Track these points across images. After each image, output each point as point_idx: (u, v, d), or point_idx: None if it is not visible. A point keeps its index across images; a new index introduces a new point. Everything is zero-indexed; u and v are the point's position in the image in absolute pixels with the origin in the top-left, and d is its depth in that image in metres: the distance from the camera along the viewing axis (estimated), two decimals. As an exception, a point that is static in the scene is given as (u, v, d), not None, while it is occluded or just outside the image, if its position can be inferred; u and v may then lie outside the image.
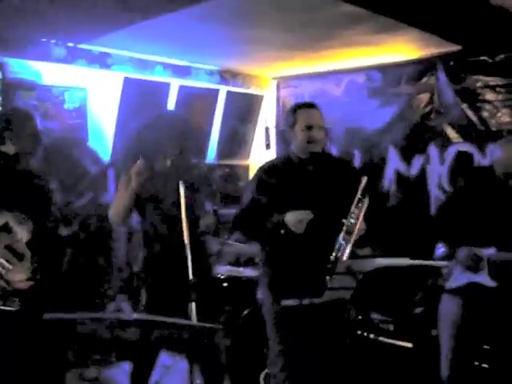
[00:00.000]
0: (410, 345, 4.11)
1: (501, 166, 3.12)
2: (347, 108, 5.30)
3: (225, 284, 4.23)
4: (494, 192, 3.11)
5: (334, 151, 5.23)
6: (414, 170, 4.93)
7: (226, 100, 5.67)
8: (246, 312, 3.96)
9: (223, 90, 5.64)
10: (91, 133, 4.67)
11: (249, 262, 4.63)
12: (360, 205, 2.71)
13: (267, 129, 5.89)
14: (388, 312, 4.36)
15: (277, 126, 5.99)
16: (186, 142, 3.02)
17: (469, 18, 3.74)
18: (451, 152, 4.69)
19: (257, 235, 3.04)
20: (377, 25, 3.89)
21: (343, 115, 5.19)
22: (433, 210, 4.70)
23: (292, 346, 2.86)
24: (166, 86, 5.12)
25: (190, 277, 2.43)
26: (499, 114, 4.43)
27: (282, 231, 2.74)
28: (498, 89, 4.44)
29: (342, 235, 2.67)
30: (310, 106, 2.96)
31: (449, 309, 3.19)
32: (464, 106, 4.61)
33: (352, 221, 2.69)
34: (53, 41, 4.27)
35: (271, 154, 5.87)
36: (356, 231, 2.68)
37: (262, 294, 3.16)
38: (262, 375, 3.57)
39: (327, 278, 2.51)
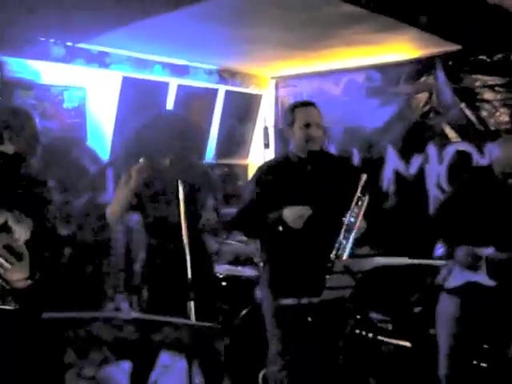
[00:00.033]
0: (408, 344, 4.12)
1: (499, 166, 3.12)
2: (346, 107, 5.30)
3: (223, 283, 4.23)
4: (492, 191, 3.11)
5: (333, 150, 5.24)
6: (413, 170, 4.93)
7: (224, 99, 5.67)
8: (244, 311, 3.96)
9: (222, 90, 5.64)
10: (90, 132, 4.66)
11: (247, 261, 4.63)
12: (360, 203, 2.72)
13: (266, 128, 5.87)
14: (387, 311, 4.37)
15: (275, 126, 5.98)
16: (185, 141, 3.01)
17: (467, 18, 3.75)
18: (450, 151, 4.70)
19: (256, 233, 3.04)
20: (376, 24, 3.89)
21: (342, 114, 5.19)
22: (431, 209, 4.70)
23: (291, 345, 2.87)
24: (165, 85, 5.12)
25: (189, 276, 2.43)
26: (498, 114, 4.44)
27: (281, 228, 2.74)
28: (496, 88, 4.44)
29: (341, 234, 2.67)
30: (308, 104, 2.97)
31: (447, 308, 3.20)
32: (463, 105, 4.61)
33: (352, 219, 2.69)
34: (51, 40, 4.27)
35: (270, 154, 5.86)
36: (356, 229, 2.68)
37: (261, 293, 3.16)
38: (261, 375, 3.58)
39: (327, 276, 2.52)
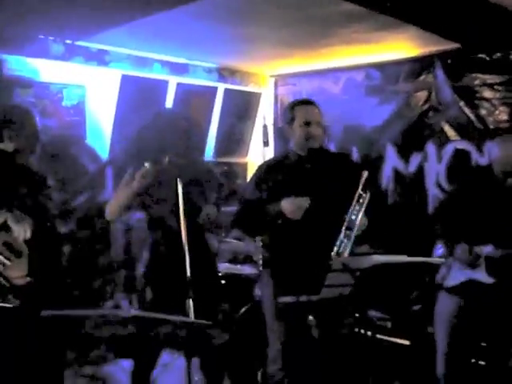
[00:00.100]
0: (407, 342, 4.12)
1: (499, 165, 3.12)
2: (345, 106, 5.30)
3: (223, 281, 4.23)
4: (492, 190, 3.11)
5: (333, 148, 5.24)
6: (412, 168, 4.93)
7: (224, 97, 5.66)
8: (243, 309, 3.97)
9: (221, 88, 5.64)
10: (89, 130, 4.66)
11: (246, 259, 4.63)
12: (361, 200, 2.72)
13: (265, 126, 5.87)
14: (385, 309, 4.37)
15: (275, 124, 5.99)
16: (188, 139, 3.02)
17: (467, 16, 3.75)
18: (449, 150, 4.70)
19: (256, 229, 3.05)
20: (375, 23, 3.89)
21: (341, 113, 5.20)
22: (430, 207, 4.71)
23: (291, 343, 2.87)
24: (164, 83, 5.11)
25: (188, 274, 2.44)
26: (497, 112, 4.44)
27: (280, 221, 2.74)
28: (495, 87, 4.44)
29: (342, 231, 2.68)
30: (308, 102, 2.97)
31: (446, 307, 3.20)
32: (462, 103, 4.61)
33: (353, 217, 2.69)
34: (51, 38, 4.26)
35: (269, 152, 5.86)
36: (357, 227, 2.68)
37: (261, 291, 3.16)
38: (260, 373, 3.58)
39: (329, 274, 2.52)
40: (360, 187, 2.72)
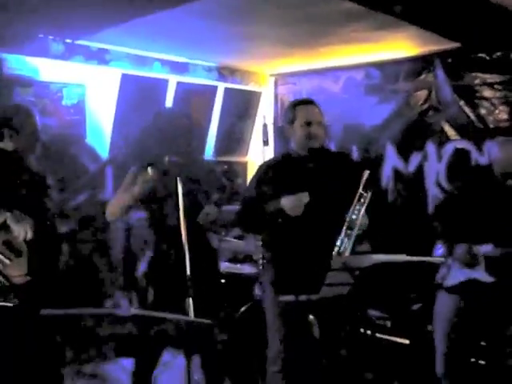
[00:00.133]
0: (407, 341, 4.13)
1: (499, 166, 3.13)
2: (345, 105, 5.30)
3: (222, 280, 4.23)
4: (491, 191, 3.12)
5: (332, 148, 5.24)
6: (412, 167, 4.93)
7: (224, 97, 5.67)
8: (243, 308, 3.97)
9: (221, 87, 5.64)
10: (89, 129, 4.66)
11: (246, 258, 4.63)
12: (362, 200, 2.72)
13: (265, 125, 5.87)
14: (385, 308, 4.37)
15: (275, 123, 5.99)
16: (189, 138, 3.03)
17: (467, 16, 3.75)
18: (449, 149, 4.70)
19: (256, 227, 3.05)
20: (375, 22, 3.89)
21: (341, 112, 5.20)
22: (430, 207, 4.71)
23: (291, 343, 2.87)
24: (164, 82, 5.12)
25: (188, 272, 2.44)
26: (497, 111, 4.44)
27: (280, 219, 2.74)
28: (495, 86, 4.44)
29: (343, 231, 2.68)
30: (309, 102, 2.97)
31: (445, 306, 3.21)
32: (462, 103, 4.62)
33: (354, 216, 2.69)
34: (50, 37, 4.26)
35: (269, 151, 5.86)
36: (357, 226, 2.69)
37: (263, 290, 3.16)
38: (260, 373, 3.58)
39: (328, 273, 2.52)
40: (361, 187, 2.73)
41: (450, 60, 4.69)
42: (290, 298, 2.61)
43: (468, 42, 4.45)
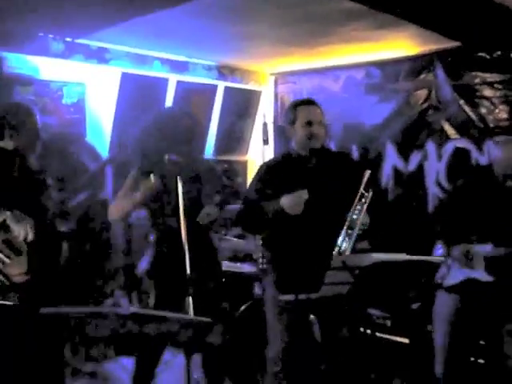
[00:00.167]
0: (406, 340, 4.13)
1: (500, 167, 3.13)
2: (345, 104, 5.30)
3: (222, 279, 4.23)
4: (492, 192, 3.12)
5: (332, 147, 5.24)
6: (412, 166, 4.94)
7: (224, 95, 5.66)
8: (243, 307, 3.97)
9: (221, 86, 5.64)
10: (89, 128, 4.66)
11: (246, 257, 4.63)
12: (363, 200, 2.72)
13: (265, 124, 5.87)
14: (385, 307, 4.37)
15: (275, 122, 5.99)
16: (191, 138, 3.03)
17: (467, 15, 3.75)
18: (449, 148, 4.70)
19: (257, 227, 3.06)
20: (375, 21, 3.89)
21: (341, 111, 5.20)
22: (430, 206, 4.71)
23: (291, 342, 2.87)
24: (164, 81, 5.11)
25: (187, 271, 2.45)
26: (497, 111, 4.44)
27: (280, 219, 2.74)
28: (495, 85, 4.44)
29: (344, 230, 2.68)
30: (310, 102, 2.97)
31: (445, 306, 3.21)
32: (462, 102, 4.62)
33: (355, 216, 2.70)
34: (50, 35, 4.26)
35: (269, 150, 5.86)
36: (358, 226, 2.69)
37: (263, 290, 3.16)
38: (260, 373, 3.58)
39: (328, 272, 2.52)
40: (362, 186, 2.73)
41: (450, 59, 4.69)
42: (289, 297, 2.62)
43: (468, 41, 4.45)
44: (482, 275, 3.06)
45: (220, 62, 5.51)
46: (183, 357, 2.31)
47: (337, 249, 2.69)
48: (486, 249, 3.05)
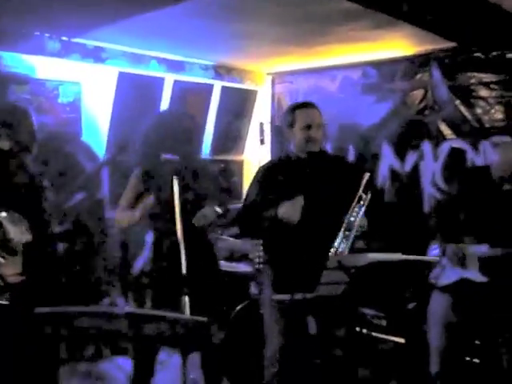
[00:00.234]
0: (402, 340, 4.13)
1: (497, 170, 3.14)
2: (342, 104, 5.30)
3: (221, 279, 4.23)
4: (488, 194, 3.13)
5: (329, 147, 5.24)
6: (408, 167, 4.94)
7: (220, 95, 5.66)
8: (239, 307, 3.97)
9: (218, 85, 5.63)
10: (85, 127, 4.65)
11: (242, 257, 4.63)
12: (362, 202, 2.73)
13: (262, 124, 5.89)
14: (381, 307, 4.38)
15: (271, 122, 5.99)
16: (191, 140, 3.05)
17: (463, 15, 3.75)
18: (445, 148, 4.71)
19: (258, 235, 3.07)
20: (372, 21, 3.89)
21: (338, 111, 5.19)
22: (426, 206, 4.72)
23: (288, 342, 2.88)
24: (161, 80, 5.11)
25: (183, 271, 2.45)
26: (493, 111, 4.45)
27: (279, 225, 2.75)
28: (491, 85, 4.45)
29: (341, 232, 2.68)
30: (309, 105, 2.96)
31: (439, 305, 3.22)
32: (458, 102, 4.62)
33: (352, 218, 2.70)
34: (47, 34, 4.25)
35: (265, 150, 5.88)
36: (356, 228, 2.69)
37: (260, 290, 3.17)
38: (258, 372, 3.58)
39: (324, 272, 2.52)
40: (361, 189, 2.73)
41: (446, 59, 4.70)
42: (285, 296, 2.62)
43: (464, 42, 4.45)
44: (475, 276, 3.07)
45: (217, 62, 5.51)
46: (179, 357, 2.31)
47: (334, 250, 2.69)
48: (482, 249, 3.06)
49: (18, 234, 2.52)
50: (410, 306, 4.22)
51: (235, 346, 3.82)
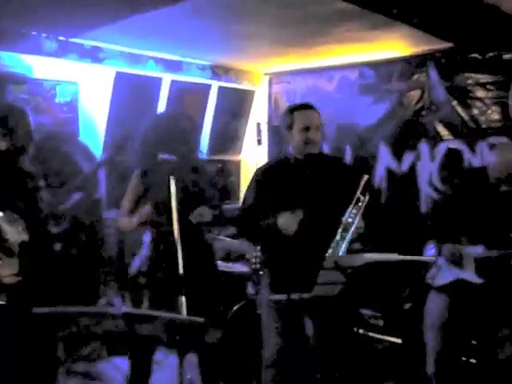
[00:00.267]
0: (399, 340, 4.14)
1: (494, 172, 3.14)
2: (339, 104, 5.31)
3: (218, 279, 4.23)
4: (485, 195, 3.13)
5: (326, 147, 5.25)
6: (405, 167, 4.95)
7: (217, 95, 5.66)
8: (236, 307, 3.97)
9: (215, 86, 5.64)
10: (82, 127, 4.65)
11: (239, 257, 4.64)
12: (360, 204, 2.73)
13: (259, 124, 5.89)
14: (378, 307, 4.39)
15: (268, 122, 5.99)
16: (189, 140, 3.06)
17: (460, 16, 3.76)
18: (441, 149, 4.72)
19: (256, 240, 3.07)
20: (369, 22, 3.90)
21: (335, 111, 5.20)
22: (423, 206, 4.73)
23: (285, 342, 2.88)
24: (158, 80, 5.11)
25: (180, 271, 2.45)
26: (489, 112, 4.46)
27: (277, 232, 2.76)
28: (488, 86, 4.46)
29: (338, 233, 2.69)
30: (307, 107, 2.95)
31: (435, 306, 3.23)
32: (454, 103, 4.63)
33: (350, 219, 2.71)
34: (44, 34, 4.25)
35: (262, 150, 5.88)
36: (353, 229, 2.70)
37: (256, 291, 3.17)
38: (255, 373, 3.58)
39: (320, 272, 2.52)
40: (359, 190, 2.73)
41: (443, 60, 4.70)
42: (281, 296, 2.62)
43: (461, 43, 4.46)
44: (471, 277, 3.08)
45: (214, 62, 5.51)
46: (175, 357, 2.31)
47: (330, 250, 2.69)
48: (477, 251, 3.07)
49: (15, 234, 2.52)
50: (407, 306, 4.23)
51: (232, 346, 3.83)
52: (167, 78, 5.15)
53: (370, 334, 4.32)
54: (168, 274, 2.81)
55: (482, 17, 3.79)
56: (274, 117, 5.91)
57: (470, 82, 4.55)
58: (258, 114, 6.07)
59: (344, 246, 2.69)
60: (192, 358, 3.07)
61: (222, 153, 5.90)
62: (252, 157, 5.93)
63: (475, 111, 4.53)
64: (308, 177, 2.89)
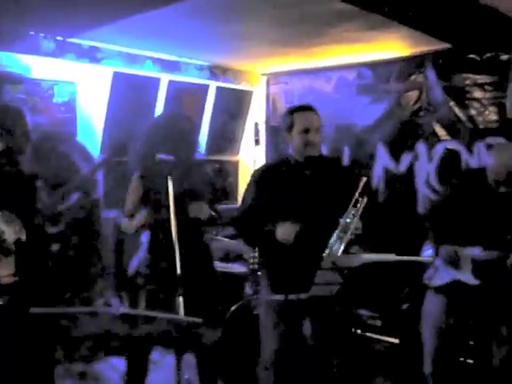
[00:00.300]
0: (396, 341, 4.15)
1: (493, 173, 3.13)
2: (337, 105, 5.30)
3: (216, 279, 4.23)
4: (483, 197, 3.13)
5: (324, 148, 5.24)
6: (403, 167, 4.95)
7: (215, 95, 5.66)
8: (234, 307, 3.97)
9: (213, 86, 5.63)
10: (80, 127, 4.65)
11: (237, 257, 4.64)
12: (358, 205, 2.73)
13: (257, 125, 5.88)
14: (375, 308, 4.39)
15: (266, 122, 5.99)
16: (188, 141, 3.07)
17: (458, 17, 3.77)
18: (439, 149, 4.72)
19: (253, 241, 3.08)
20: (367, 22, 3.90)
21: (333, 112, 5.19)
22: (420, 207, 4.73)
23: (283, 342, 2.88)
24: (156, 80, 5.11)
25: (178, 271, 2.45)
26: (487, 112, 4.46)
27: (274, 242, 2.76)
28: (485, 87, 4.47)
29: (336, 234, 2.69)
30: (307, 108, 2.94)
31: (433, 306, 3.23)
32: (452, 103, 4.63)
33: (348, 220, 2.71)
34: (42, 34, 4.24)
35: (260, 150, 5.87)
36: (350, 230, 2.70)
37: (254, 292, 3.18)
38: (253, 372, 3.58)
39: (318, 272, 2.53)
40: (358, 192, 2.73)
41: (440, 61, 4.70)
42: (279, 297, 2.62)
43: (459, 43, 4.47)
44: (468, 278, 3.07)
45: (212, 62, 5.51)
46: (172, 357, 2.31)
47: (327, 251, 2.69)
48: (474, 252, 3.07)
49: (12, 234, 2.51)
50: (404, 306, 4.23)
51: (230, 346, 3.82)
52: (165, 78, 5.15)
53: (368, 334, 4.33)
54: (166, 274, 2.81)
55: (480, 18, 3.80)
56: (272, 117, 5.92)
57: (467, 82, 4.55)
58: (256, 115, 6.06)
59: (341, 247, 2.69)
60: (190, 359, 3.07)
61: (220, 153, 5.90)
62: (250, 157, 5.93)
63: (473, 112, 4.54)
64: (308, 179, 2.89)
